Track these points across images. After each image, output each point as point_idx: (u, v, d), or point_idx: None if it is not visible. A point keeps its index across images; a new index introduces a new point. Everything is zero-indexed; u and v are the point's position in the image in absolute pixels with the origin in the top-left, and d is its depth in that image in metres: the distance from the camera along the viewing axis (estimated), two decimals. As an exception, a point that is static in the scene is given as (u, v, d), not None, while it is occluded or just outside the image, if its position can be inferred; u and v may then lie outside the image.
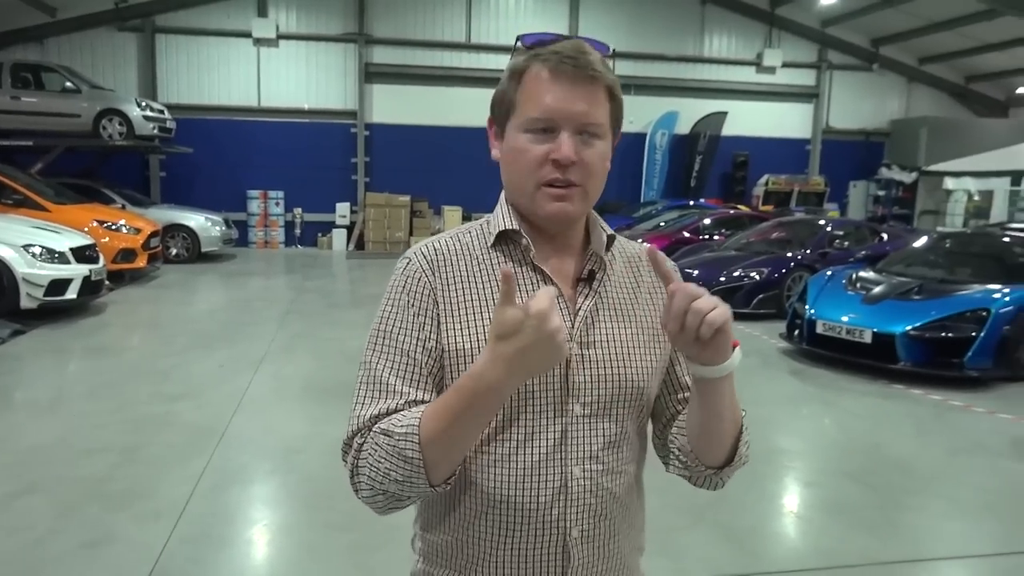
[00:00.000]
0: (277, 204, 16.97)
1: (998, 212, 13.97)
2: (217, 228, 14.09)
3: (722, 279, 9.35)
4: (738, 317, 9.00)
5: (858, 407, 6.06)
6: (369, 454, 1.06)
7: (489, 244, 1.17)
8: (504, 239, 1.17)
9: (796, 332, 7.43)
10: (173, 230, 13.51)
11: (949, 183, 15.57)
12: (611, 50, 1.19)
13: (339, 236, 16.92)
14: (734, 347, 1.04)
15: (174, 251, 13.56)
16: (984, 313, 6.43)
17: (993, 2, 15.60)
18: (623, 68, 18.02)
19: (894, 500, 4.33)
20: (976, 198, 15.06)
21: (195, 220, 13.83)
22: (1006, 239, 8.42)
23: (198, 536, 3.63)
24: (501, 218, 1.18)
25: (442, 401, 1.02)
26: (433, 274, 1.14)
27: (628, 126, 17.37)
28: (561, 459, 1.12)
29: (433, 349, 1.11)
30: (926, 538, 3.94)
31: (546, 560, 1.13)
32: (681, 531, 3.81)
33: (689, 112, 18.56)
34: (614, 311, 1.18)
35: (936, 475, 4.75)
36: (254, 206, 16.85)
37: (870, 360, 6.70)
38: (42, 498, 3.97)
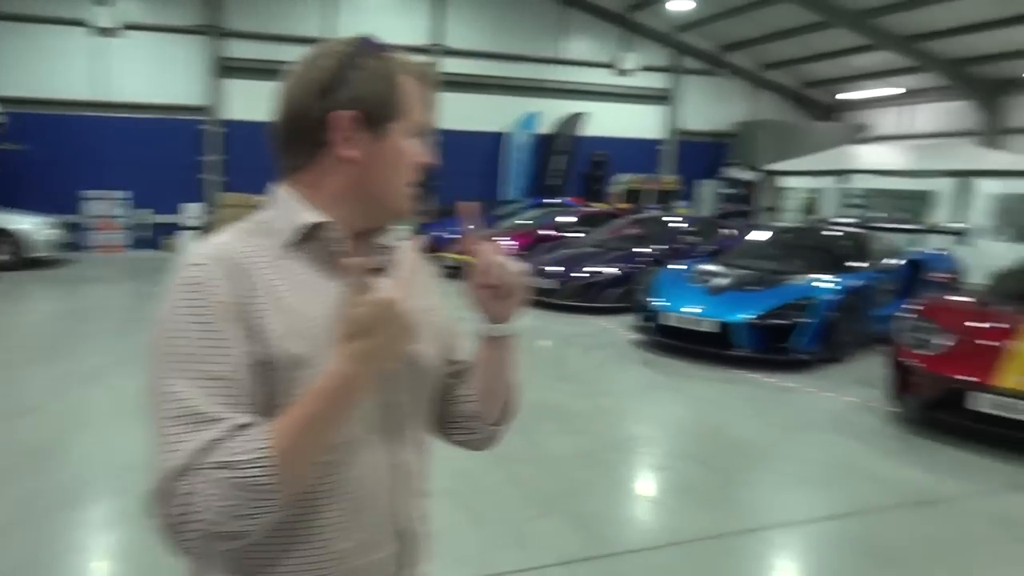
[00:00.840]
0: (119, 205, 15.89)
1: (827, 208, 15.17)
2: (47, 231, 12.91)
3: (580, 275, 9.66)
4: (594, 311, 9.41)
5: (703, 392, 6.44)
6: (205, 497, 0.92)
7: (286, 241, 1.11)
8: (307, 235, 1.12)
9: (647, 324, 7.78)
10: (-4, 234, 12.35)
11: (785, 182, 16.76)
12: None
13: (187, 238, 16.10)
14: None
15: (-1, 257, 12.38)
16: (811, 301, 6.99)
17: (827, 15, 16.93)
18: (487, 68, 18.23)
19: (733, 477, 4.64)
20: (809, 195, 16.29)
21: (19, 223, 12.67)
22: (830, 233, 9.17)
23: (27, 564, 3.39)
24: (301, 212, 1.12)
25: (292, 414, 0.97)
26: (233, 281, 1.03)
27: (490, 125, 17.62)
28: (387, 451, 1.15)
29: (247, 365, 1.01)
30: (759, 510, 4.25)
31: (384, 541, 1.15)
32: (532, 521, 3.92)
33: (550, 112, 18.99)
34: (413, 298, 1.20)
35: (770, 452, 5.12)
36: (93, 207, 15.72)
37: (714, 348, 7.13)
38: None
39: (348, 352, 0.96)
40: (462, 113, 17.51)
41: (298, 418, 0.97)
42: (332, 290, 1.09)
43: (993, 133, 17.76)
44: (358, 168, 1.14)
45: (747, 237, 9.41)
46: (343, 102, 1.11)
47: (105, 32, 15.58)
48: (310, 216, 1.13)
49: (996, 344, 5.10)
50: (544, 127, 19.01)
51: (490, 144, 18.34)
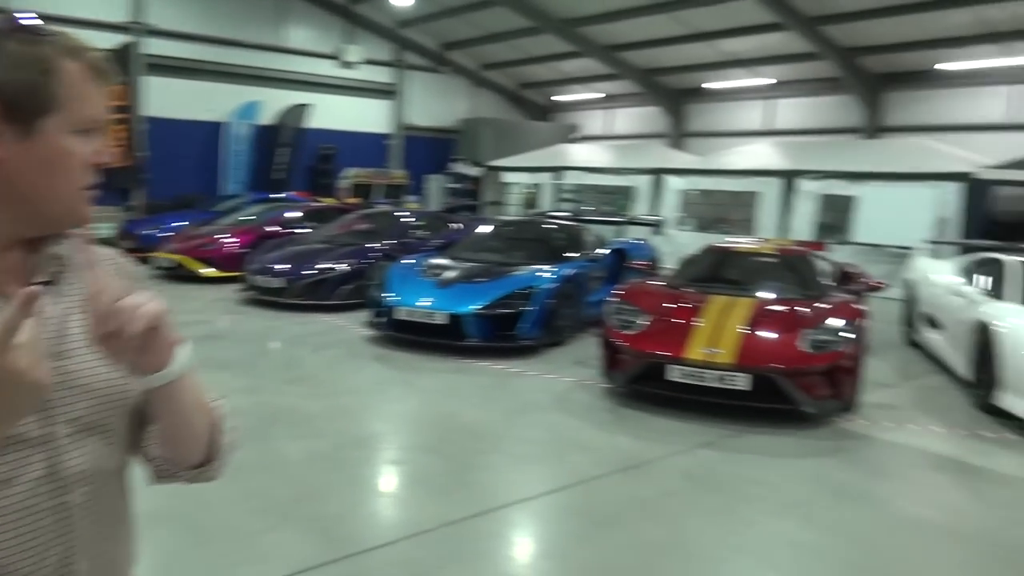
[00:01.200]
0: None
1: (545, 202, 16.33)
2: None
3: (308, 272, 9.40)
4: (325, 309, 9.22)
5: (435, 384, 6.60)
6: None
7: None
8: None
9: (379, 319, 7.80)
10: None
11: (507, 177, 17.75)
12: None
13: None
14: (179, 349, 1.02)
15: None
16: (531, 290, 7.47)
17: (536, 20, 18.09)
18: (199, 52, 16.99)
19: (466, 463, 4.82)
20: (528, 190, 17.40)
21: None
22: (546, 226, 9.88)
23: None
24: None
25: None
26: None
27: (206, 114, 16.44)
28: (50, 493, 1.00)
29: None
30: (492, 491, 4.46)
31: None
32: (267, 533, 3.76)
33: (273, 103, 18.24)
34: (81, 315, 1.07)
35: (499, 435, 5.40)
36: None
37: (446, 339, 7.34)
38: None
39: None
40: (173, 100, 16.18)
41: None
42: None
43: (677, 136, 20.28)
44: (4, 168, 0.99)
45: (473, 231, 9.79)
46: None
47: None
48: None
49: (684, 322, 5.84)
50: (266, 118, 18.20)
51: (207, 134, 17.15)
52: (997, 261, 6.74)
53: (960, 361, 6.37)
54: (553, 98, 23.67)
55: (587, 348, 7.17)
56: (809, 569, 3.58)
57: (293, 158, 18.33)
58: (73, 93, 1.00)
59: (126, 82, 15.17)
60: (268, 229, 11.32)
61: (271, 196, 14.22)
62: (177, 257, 10.64)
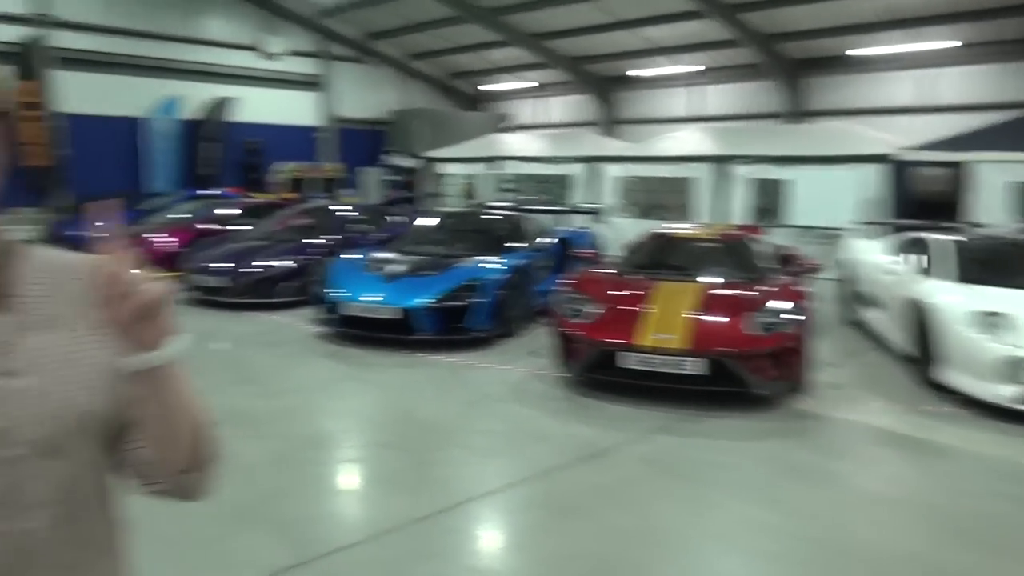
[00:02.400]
0: None
1: (483, 193, 16.29)
2: None
3: (250, 270, 9.17)
4: (270, 307, 9.02)
5: (388, 379, 6.54)
6: None
7: None
8: None
9: (326, 316, 7.67)
10: None
11: (443, 168, 17.64)
12: None
13: None
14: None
15: None
16: (480, 282, 7.46)
17: (460, 10, 17.99)
18: (111, 45, 16.29)
19: (425, 458, 4.80)
20: (465, 181, 17.32)
21: None
22: (490, 216, 9.87)
23: None
24: None
25: None
26: None
27: (124, 109, 15.88)
28: (10, 515, 0.95)
29: None
30: (454, 486, 4.45)
31: None
32: (229, 538, 3.68)
33: (194, 97, 17.68)
34: (44, 328, 1.02)
35: (456, 428, 5.39)
36: None
37: (394, 334, 7.27)
38: None
39: None
40: (91, 96, 15.52)
41: None
42: None
43: (608, 123, 20.52)
44: None
45: (415, 223, 9.70)
46: None
47: None
48: None
49: (634, 309, 5.93)
50: (189, 112, 17.61)
51: (127, 130, 16.48)
52: (922, 240, 7.06)
53: (899, 338, 6.66)
54: (481, 87, 23.61)
55: (538, 338, 7.21)
56: (775, 548, 3.70)
57: (221, 153, 17.82)
58: None
59: (34, 77, 14.44)
60: (202, 227, 10.99)
61: (202, 193, 13.79)
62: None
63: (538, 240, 8.99)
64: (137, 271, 0.93)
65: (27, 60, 14.72)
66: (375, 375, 6.65)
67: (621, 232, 10.56)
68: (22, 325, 1.00)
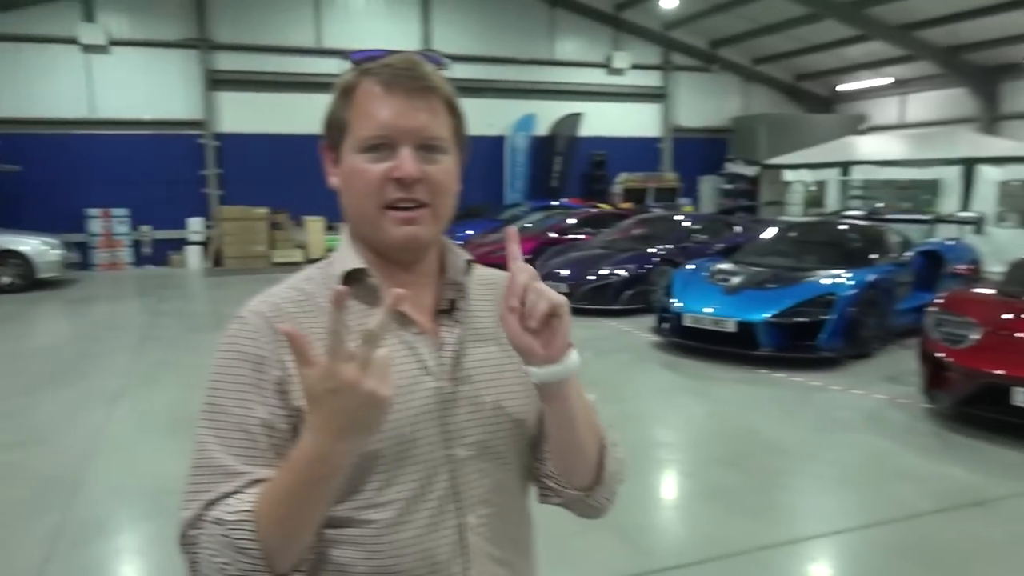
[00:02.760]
0: (121, 223, 15.78)
1: (831, 201, 15.13)
2: (54, 252, 12.89)
3: (591, 277, 9.58)
4: (609, 314, 9.33)
5: (727, 394, 6.35)
6: (204, 547, 0.93)
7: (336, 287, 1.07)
8: (351, 281, 1.06)
9: (665, 326, 7.70)
10: (3, 257, 12.27)
11: (787, 175, 16.71)
12: (447, 63, 1.13)
13: (193, 253, 16.00)
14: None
15: (7, 280, 12.31)
16: (831, 297, 6.91)
17: (816, 7, 16.90)
18: (477, 72, 18.13)
19: (768, 482, 4.56)
20: (812, 188, 16.24)
21: (28, 244, 12.62)
22: (843, 227, 9.11)
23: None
24: (344, 257, 1.08)
25: (274, 480, 0.93)
26: (273, 332, 1.01)
27: (487, 129, 17.59)
28: (454, 511, 1.04)
29: (279, 420, 0.99)
30: (798, 516, 4.17)
31: None
32: (576, 537, 3.82)
33: (547, 114, 18.93)
34: (482, 341, 1.11)
35: (804, 454, 5.04)
36: (95, 226, 15.60)
37: (735, 348, 7.05)
38: None
39: (310, 421, 0.88)
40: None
41: (278, 486, 0.92)
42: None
43: (990, 119, 17.76)
44: (343, 198, 1.08)
45: (761, 235, 9.31)
46: (324, 129, 1.09)
47: (95, 49, 15.44)
48: (349, 261, 1.08)
49: (1030, 336, 5.03)
50: (541, 129, 18.95)
51: (489, 148, 18.24)
52: None
53: None
54: (838, 88, 21.92)
55: (898, 362, 6.50)
56: None
57: (567, 166, 18.90)
58: (358, 113, 1.03)
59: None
60: (549, 235, 11.76)
61: (550, 204, 14.76)
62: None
63: (898, 253, 8.08)
64: (540, 285, 0.96)
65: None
66: (714, 389, 6.50)
67: (1000, 245, 9.05)
68: (468, 337, 1.11)
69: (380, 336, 0.84)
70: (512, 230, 1.03)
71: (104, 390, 6.48)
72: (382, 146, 1.01)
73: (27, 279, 12.43)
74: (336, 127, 1.06)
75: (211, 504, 0.95)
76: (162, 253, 16.11)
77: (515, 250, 1.00)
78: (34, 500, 4.30)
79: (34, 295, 12.03)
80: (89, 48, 15.39)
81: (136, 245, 16.01)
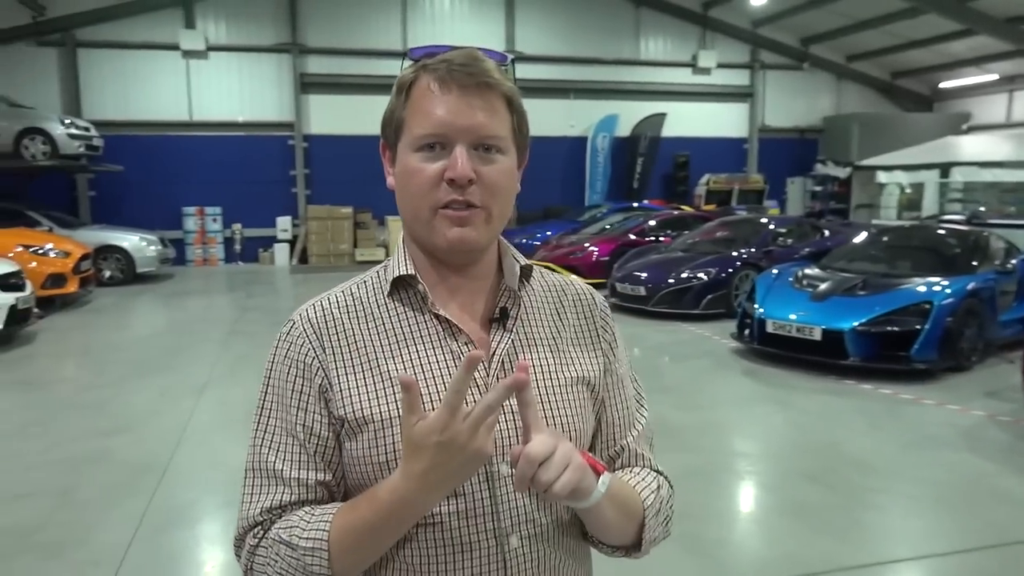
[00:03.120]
0: (215, 220, 16.47)
1: (929, 204, 14.40)
2: (153, 248, 13.58)
3: (671, 280, 9.39)
4: (688, 318, 9.13)
5: (811, 405, 6.10)
6: (268, 563, 0.96)
7: (386, 293, 1.05)
8: (401, 286, 1.04)
9: (746, 331, 7.47)
10: (106, 252, 12.97)
11: (881, 177, 15.97)
12: (510, 59, 1.09)
13: (281, 251, 16.53)
14: (600, 473, 0.95)
15: (108, 273, 13.01)
16: (927, 306, 6.55)
17: (916, 1, 16.12)
18: (562, 72, 18.08)
19: (854, 499, 4.34)
20: (908, 191, 15.49)
21: (129, 240, 13.32)
22: (941, 232, 8.64)
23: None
24: (397, 262, 1.06)
25: (354, 513, 0.94)
26: (319, 339, 1.02)
27: (569, 130, 17.56)
28: (495, 528, 0.99)
29: (323, 426, 1.00)
30: (887, 537, 3.94)
31: None
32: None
33: (629, 114, 18.70)
34: (535, 351, 1.07)
35: (892, 471, 4.78)
36: (191, 223, 16.35)
37: (820, 357, 6.77)
38: (-33, 553, 3.69)
39: (406, 471, 0.88)
40: (541, 119, 17.39)
41: (352, 522, 0.93)
42: (427, 348, 1.01)
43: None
44: (397, 198, 1.04)
45: (852, 239, 8.92)
46: (381, 128, 1.06)
47: (194, 54, 16.14)
48: (400, 267, 1.05)
49: None
50: (624, 129, 18.72)
51: (570, 149, 18.18)
52: None
53: None
54: (940, 85, 20.85)
55: (1000, 377, 6.11)
56: None
57: (649, 167, 18.62)
58: (414, 110, 0.99)
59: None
60: (629, 237, 11.59)
61: (630, 205, 14.57)
62: (547, 264, 11.40)
63: (1001, 260, 7.60)
64: (546, 449, 0.87)
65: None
66: (797, 399, 6.25)
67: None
68: (521, 347, 1.06)
69: (497, 410, 0.85)
70: (523, 380, 0.88)
71: (190, 382, 6.74)
72: (437, 145, 0.97)
73: (127, 273, 13.13)
74: (393, 125, 1.03)
75: (269, 511, 0.98)
76: (252, 250, 16.71)
77: (527, 417, 0.90)
78: (123, 486, 4.49)
79: (133, 288, 12.68)
80: (189, 53, 16.11)
81: (227, 242, 16.66)
